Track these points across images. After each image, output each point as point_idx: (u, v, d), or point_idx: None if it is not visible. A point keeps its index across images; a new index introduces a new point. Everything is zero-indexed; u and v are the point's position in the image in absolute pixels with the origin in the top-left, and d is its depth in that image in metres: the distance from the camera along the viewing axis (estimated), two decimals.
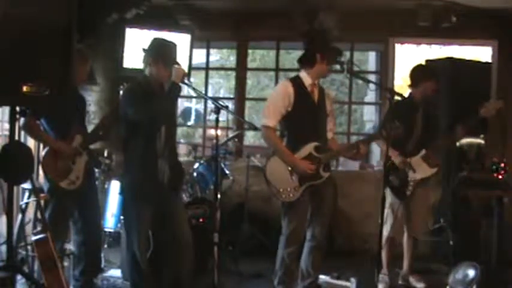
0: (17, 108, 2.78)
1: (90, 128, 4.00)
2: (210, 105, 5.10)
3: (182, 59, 5.12)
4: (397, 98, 3.59)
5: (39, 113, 3.52)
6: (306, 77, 3.67)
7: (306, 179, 3.58)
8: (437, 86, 4.22)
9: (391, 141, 3.50)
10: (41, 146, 3.95)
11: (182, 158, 5.74)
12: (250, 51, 7.56)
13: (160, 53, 3.37)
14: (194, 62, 5.76)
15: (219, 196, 3.38)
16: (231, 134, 5.68)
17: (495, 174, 4.48)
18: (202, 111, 7.77)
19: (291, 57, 9.92)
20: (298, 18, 5.48)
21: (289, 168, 3.58)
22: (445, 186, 5.25)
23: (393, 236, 4.17)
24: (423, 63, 4.44)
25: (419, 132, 4.16)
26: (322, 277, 4.26)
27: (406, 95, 4.06)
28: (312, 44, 3.76)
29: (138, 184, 3.37)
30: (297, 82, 3.67)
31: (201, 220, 4.43)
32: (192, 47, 5.50)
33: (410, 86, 4.24)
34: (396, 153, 4.09)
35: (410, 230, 4.25)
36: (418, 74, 4.20)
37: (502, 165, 4.49)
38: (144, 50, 3.41)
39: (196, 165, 5.04)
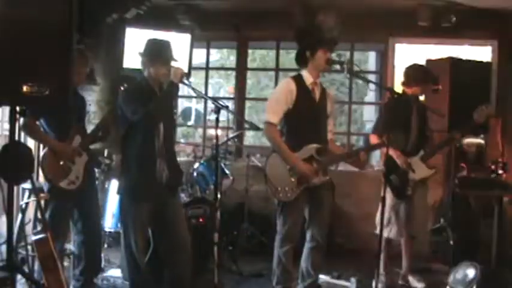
0: (17, 108, 2.78)
1: (90, 128, 4.00)
2: (210, 105, 5.11)
3: (182, 59, 5.15)
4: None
5: (39, 113, 3.52)
6: (306, 75, 3.67)
7: (305, 180, 3.58)
8: (429, 89, 4.26)
9: (391, 142, 3.51)
10: (41, 146, 3.95)
11: (182, 158, 5.76)
12: (250, 51, 7.56)
13: (155, 52, 3.37)
14: (194, 62, 5.76)
15: (219, 196, 3.37)
16: (231, 134, 5.67)
17: (503, 175, 4.50)
18: (202, 111, 7.78)
19: (291, 57, 9.87)
20: (298, 18, 5.48)
21: (288, 168, 3.58)
22: (445, 186, 5.25)
23: (392, 238, 4.19)
24: (420, 63, 4.42)
25: (416, 133, 4.18)
26: (322, 277, 4.26)
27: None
28: (300, 42, 3.77)
29: (136, 184, 3.37)
30: (298, 80, 3.67)
31: (201, 220, 4.42)
32: (192, 47, 5.50)
33: (404, 84, 4.25)
34: (398, 153, 4.11)
35: (410, 230, 4.26)
36: (415, 74, 4.20)
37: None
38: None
39: (196, 165, 5.04)
